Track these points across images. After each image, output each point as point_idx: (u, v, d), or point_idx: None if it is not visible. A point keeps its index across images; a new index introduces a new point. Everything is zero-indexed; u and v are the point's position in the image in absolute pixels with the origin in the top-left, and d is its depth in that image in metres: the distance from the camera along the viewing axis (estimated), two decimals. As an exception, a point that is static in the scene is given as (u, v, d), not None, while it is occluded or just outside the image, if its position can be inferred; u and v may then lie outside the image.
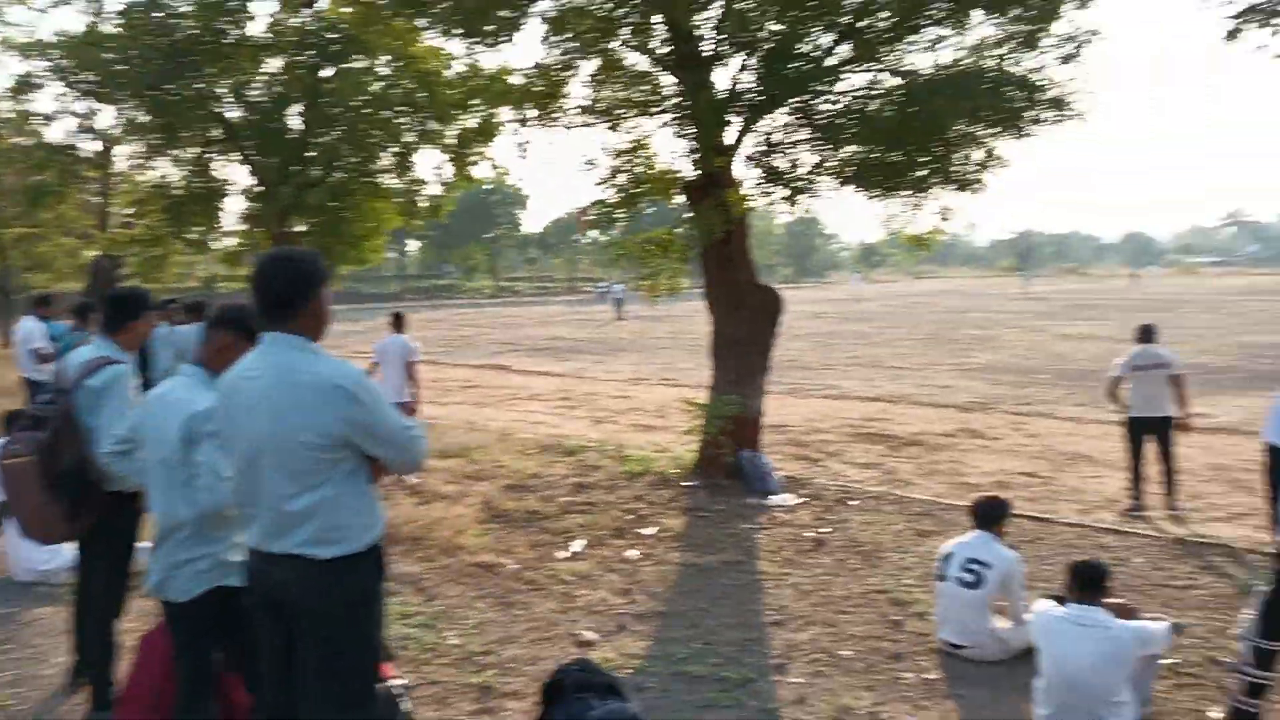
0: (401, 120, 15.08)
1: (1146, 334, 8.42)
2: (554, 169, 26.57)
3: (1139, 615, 4.61)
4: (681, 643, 5.45)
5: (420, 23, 9.60)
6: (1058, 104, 8.27)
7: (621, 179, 9.37)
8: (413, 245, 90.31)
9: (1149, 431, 8.21)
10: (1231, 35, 6.68)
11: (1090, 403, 13.66)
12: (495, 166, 15.99)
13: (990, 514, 5.44)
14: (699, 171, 9.00)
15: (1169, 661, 4.80)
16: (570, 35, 8.88)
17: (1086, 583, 4.31)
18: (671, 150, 9.61)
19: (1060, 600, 4.46)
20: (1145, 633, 4.22)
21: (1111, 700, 4.06)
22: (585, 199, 9.72)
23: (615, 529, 7.78)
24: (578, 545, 7.33)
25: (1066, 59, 8.29)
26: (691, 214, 9.08)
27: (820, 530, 7.73)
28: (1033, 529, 7.67)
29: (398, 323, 10.08)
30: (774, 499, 8.62)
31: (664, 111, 9.42)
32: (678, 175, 9.36)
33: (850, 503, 8.56)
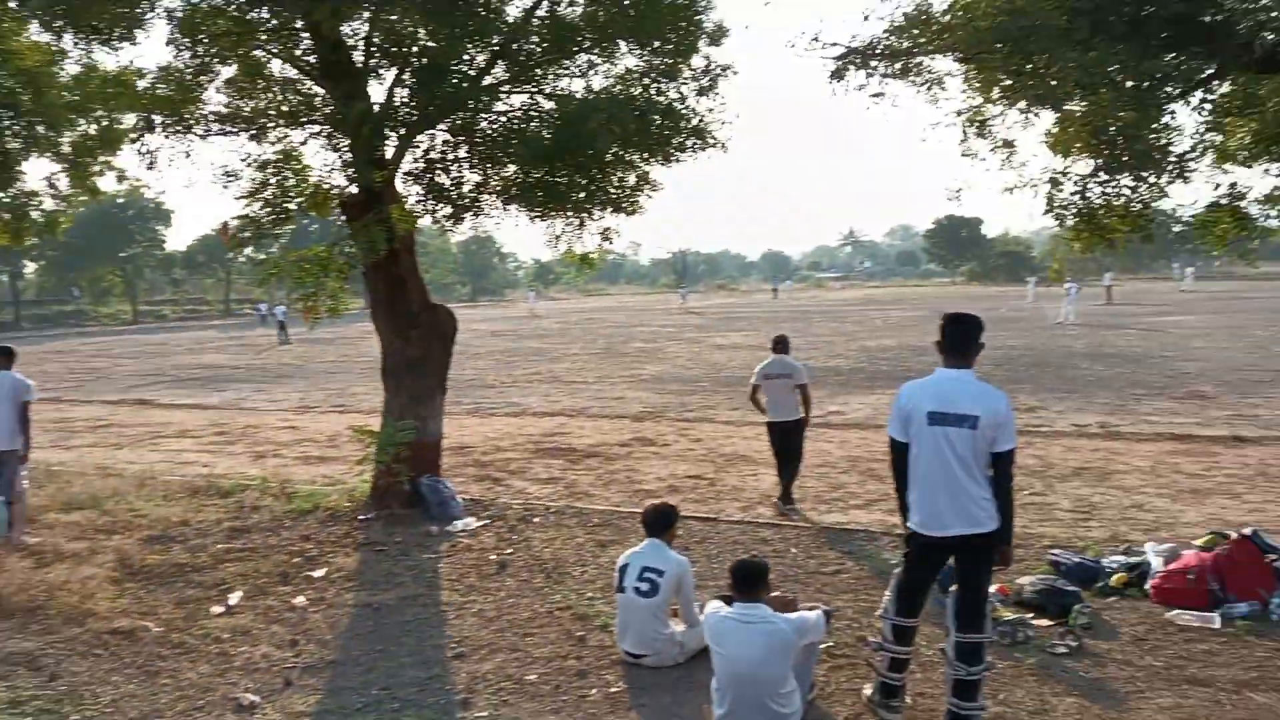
0: (2, 124, 12.92)
1: (778, 345, 9.14)
2: (202, 181, 24.33)
3: (798, 606, 4.95)
4: (356, 691, 5.08)
5: (15, 10, 8.25)
6: (699, 133, 8.81)
7: (269, 193, 8.67)
8: (30, 266, 78.44)
9: (782, 433, 8.97)
10: (836, 75, 7.40)
11: (743, 407, 14.79)
12: (123, 178, 14.13)
13: (659, 521, 5.60)
14: (357, 187, 8.56)
15: (825, 645, 5.21)
16: (203, 37, 8.06)
17: (747, 581, 4.53)
18: (326, 164, 8.99)
19: (728, 600, 4.66)
20: (804, 623, 4.52)
21: (780, 691, 4.30)
22: (238, 213, 8.84)
23: (280, 575, 7.13)
24: (235, 598, 6.63)
25: (703, 91, 8.86)
26: (351, 231, 8.59)
27: (504, 552, 7.61)
28: (701, 529, 8.08)
29: (5, 358, 8.57)
30: (456, 524, 8.37)
31: (315, 123, 8.85)
32: (334, 190, 8.85)
33: (533, 520, 8.53)
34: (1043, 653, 5.32)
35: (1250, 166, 6.87)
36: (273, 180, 8.81)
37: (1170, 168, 6.85)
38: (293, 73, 8.84)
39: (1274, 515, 8.14)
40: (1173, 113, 6.78)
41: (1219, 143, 7.17)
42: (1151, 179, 6.77)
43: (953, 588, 4.52)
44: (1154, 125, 6.64)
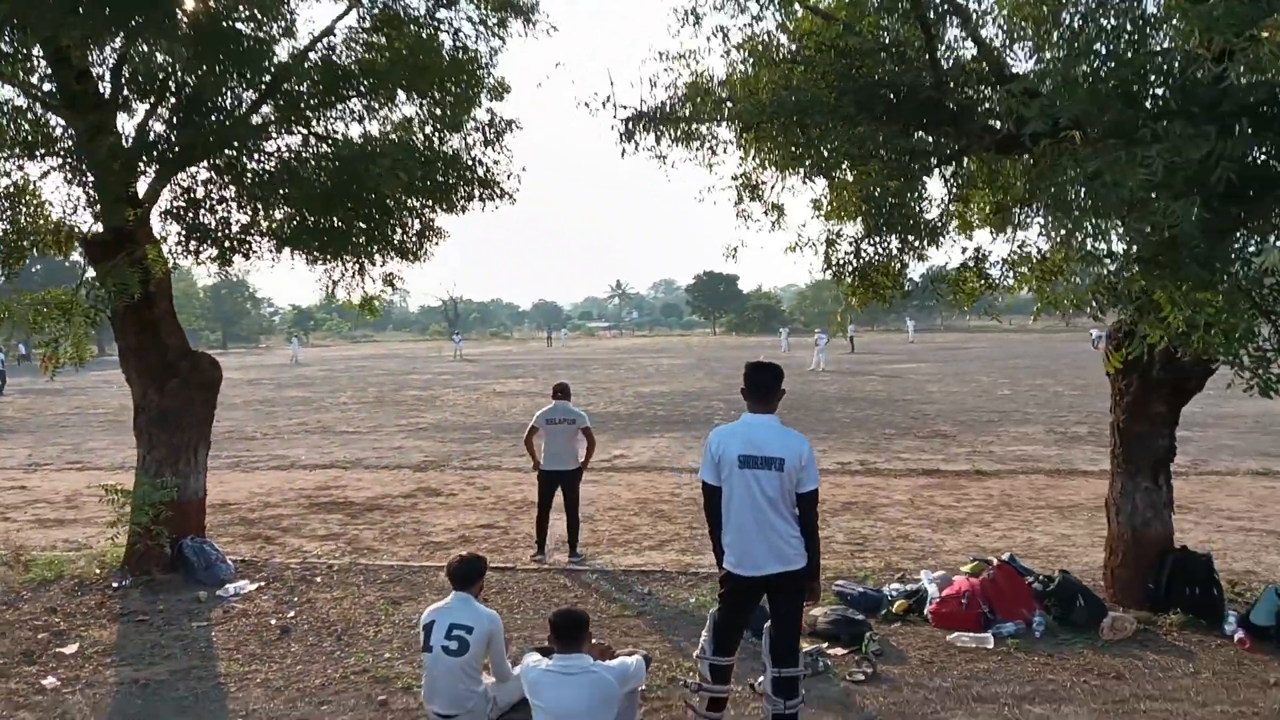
0: None
1: (559, 392, 9.16)
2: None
3: (615, 652, 4.94)
4: (127, 783, 4.51)
5: None
6: (486, 184, 8.80)
7: (0, 230, 7.76)
8: None
9: (563, 483, 8.86)
10: (627, 136, 7.60)
11: (527, 453, 14.72)
12: None
13: (467, 574, 5.38)
14: (104, 225, 7.81)
15: (641, 690, 5.22)
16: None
17: (568, 632, 4.46)
18: (68, 199, 8.17)
19: (546, 652, 4.58)
20: (625, 670, 4.50)
21: (602, 741, 4.25)
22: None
23: (23, 653, 6.25)
24: (-35, 686, 5.73)
25: (489, 143, 8.87)
26: (98, 273, 7.78)
27: (285, 615, 7.07)
28: (499, 580, 7.90)
29: None
30: (228, 588, 7.70)
31: (55, 155, 8.00)
32: (78, 228, 8.03)
33: (315, 580, 8.00)
34: (843, 681, 5.60)
35: (995, 234, 7.73)
36: (4, 216, 7.90)
37: (926, 232, 7.62)
38: (26, 100, 7.96)
39: (1021, 540, 9.09)
40: (924, 184, 7.55)
41: (961, 211, 8.03)
42: (914, 241, 7.50)
43: (766, 625, 4.68)
44: (913, 194, 7.37)
